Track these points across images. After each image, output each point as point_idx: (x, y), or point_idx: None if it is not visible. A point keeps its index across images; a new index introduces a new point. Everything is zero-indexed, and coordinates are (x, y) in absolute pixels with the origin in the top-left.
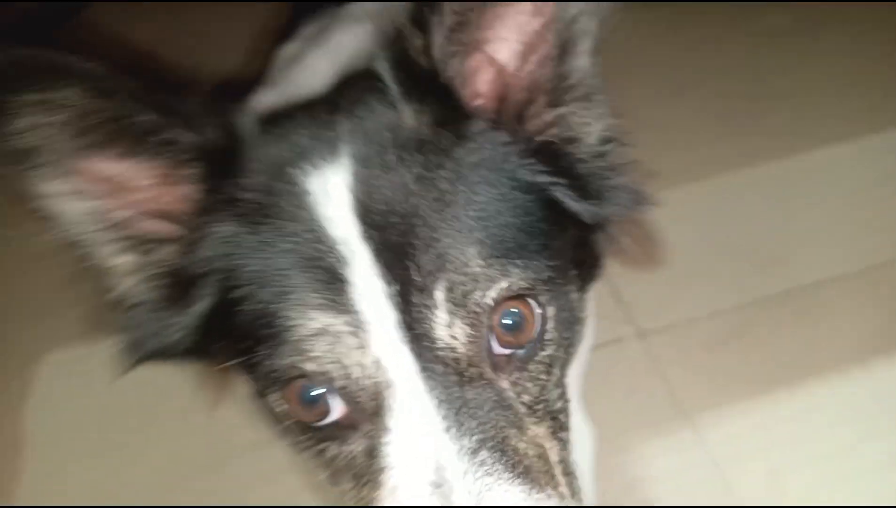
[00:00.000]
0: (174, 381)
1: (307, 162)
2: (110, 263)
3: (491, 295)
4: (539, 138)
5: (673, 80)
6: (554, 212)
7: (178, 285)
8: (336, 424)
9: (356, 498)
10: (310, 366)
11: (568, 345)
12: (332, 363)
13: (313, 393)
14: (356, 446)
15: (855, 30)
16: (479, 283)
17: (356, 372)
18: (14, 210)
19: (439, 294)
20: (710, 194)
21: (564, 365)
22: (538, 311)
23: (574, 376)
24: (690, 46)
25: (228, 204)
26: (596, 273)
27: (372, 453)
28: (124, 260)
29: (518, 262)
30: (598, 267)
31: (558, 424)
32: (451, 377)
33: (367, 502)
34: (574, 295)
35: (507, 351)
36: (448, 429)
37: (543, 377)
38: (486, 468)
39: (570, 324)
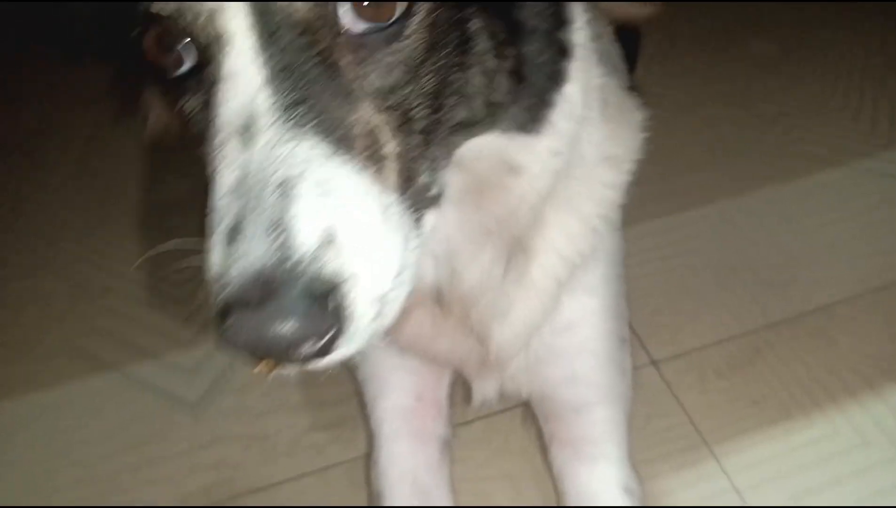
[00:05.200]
0: None
1: None
2: None
3: None
4: None
5: (663, 106)
6: None
7: None
8: (190, 74)
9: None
10: (161, 8)
11: (448, 67)
12: (175, 5)
13: (168, 40)
14: (201, 97)
15: (838, 55)
16: None
17: (195, 12)
18: None
19: None
20: (709, 220)
21: (439, 87)
22: None
23: None
24: (678, 74)
25: None
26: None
27: (207, 104)
28: None
29: None
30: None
31: (411, 129)
32: (285, 39)
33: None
34: (476, 35)
35: (360, 27)
36: (268, 84)
37: (399, 71)
38: (296, 120)
39: (452, 47)
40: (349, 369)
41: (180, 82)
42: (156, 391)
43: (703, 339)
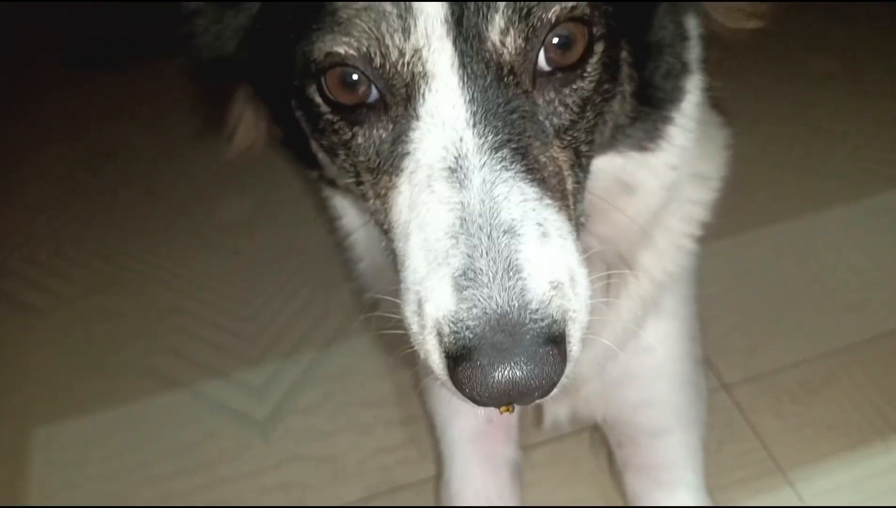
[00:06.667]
0: None
1: None
2: None
3: (554, 11)
4: None
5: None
6: None
7: None
8: (371, 106)
9: (375, 188)
10: (349, 47)
11: (604, 99)
12: (372, 42)
13: (354, 77)
14: (384, 132)
15: None
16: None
17: (395, 55)
18: None
19: (502, 3)
20: (778, 239)
21: (597, 119)
22: (588, 38)
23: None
24: (737, 91)
25: None
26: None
27: (398, 139)
28: None
29: None
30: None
31: (579, 163)
32: (489, 79)
33: (384, 189)
34: (622, 64)
35: (550, 68)
36: (475, 124)
37: (577, 109)
38: (504, 163)
39: (611, 79)
40: (419, 392)
41: (355, 113)
42: (224, 410)
43: (775, 362)
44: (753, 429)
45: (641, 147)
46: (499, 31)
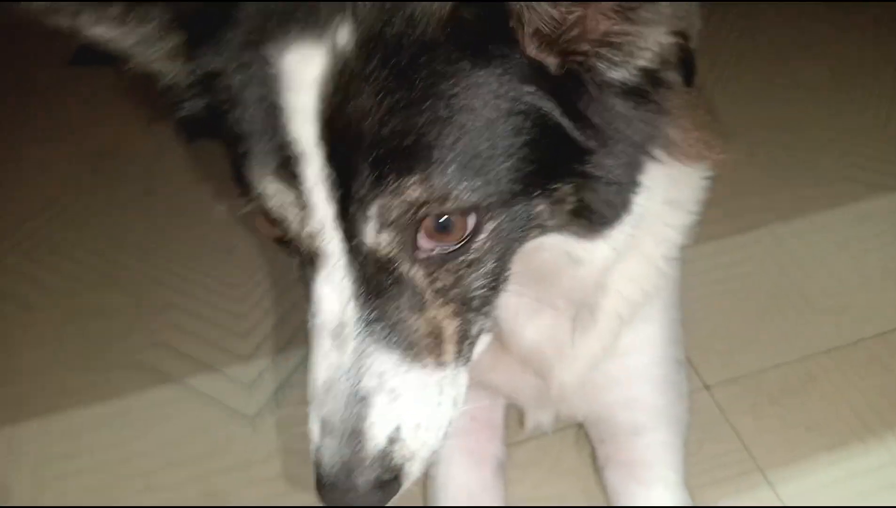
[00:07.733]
0: None
1: (289, 36)
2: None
3: (423, 213)
4: (567, 65)
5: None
6: (546, 134)
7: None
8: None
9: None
10: (265, 208)
11: (506, 249)
12: (280, 216)
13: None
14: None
15: (890, 79)
16: (414, 204)
17: (296, 234)
18: None
19: (372, 212)
20: (762, 244)
21: (500, 262)
22: (471, 222)
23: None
24: (727, 98)
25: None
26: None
27: (308, 279)
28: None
29: (468, 184)
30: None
31: (469, 306)
32: (370, 266)
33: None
34: (540, 207)
35: (430, 247)
36: (357, 298)
37: (463, 271)
38: (374, 336)
39: (518, 230)
40: None
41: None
42: (215, 404)
43: (756, 364)
44: (734, 430)
45: (581, 236)
46: (373, 234)
